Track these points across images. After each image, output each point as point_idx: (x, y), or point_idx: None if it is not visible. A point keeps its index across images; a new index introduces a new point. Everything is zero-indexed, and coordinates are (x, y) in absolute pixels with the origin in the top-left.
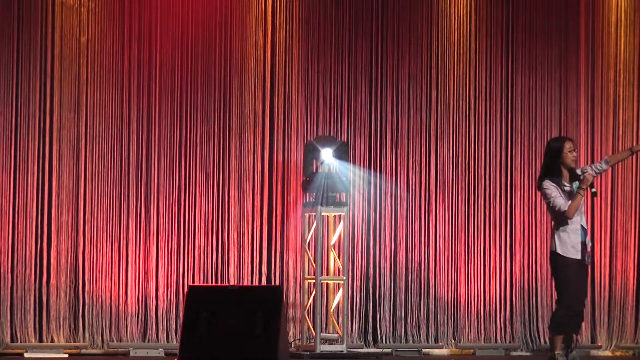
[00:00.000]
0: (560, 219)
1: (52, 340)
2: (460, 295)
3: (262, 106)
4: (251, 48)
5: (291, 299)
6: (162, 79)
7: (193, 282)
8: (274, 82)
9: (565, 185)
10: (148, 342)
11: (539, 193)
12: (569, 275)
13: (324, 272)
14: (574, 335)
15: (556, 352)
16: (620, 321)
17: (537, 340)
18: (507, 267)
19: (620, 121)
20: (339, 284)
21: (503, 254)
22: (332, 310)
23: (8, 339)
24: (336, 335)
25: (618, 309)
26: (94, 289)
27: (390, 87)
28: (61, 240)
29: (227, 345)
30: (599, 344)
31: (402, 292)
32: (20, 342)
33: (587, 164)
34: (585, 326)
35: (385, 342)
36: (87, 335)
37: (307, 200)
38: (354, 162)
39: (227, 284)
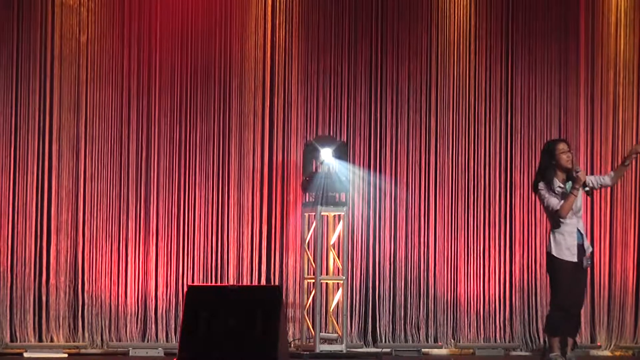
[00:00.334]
0: (555, 220)
1: (52, 340)
2: (459, 295)
3: (262, 106)
4: (251, 48)
5: (291, 299)
6: (161, 78)
7: (192, 281)
8: (274, 82)
9: (560, 187)
10: (147, 341)
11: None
12: (562, 278)
13: (324, 271)
14: (573, 338)
15: (553, 354)
16: (619, 321)
17: (537, 340)
18: (507, 267)
19: (620, 121)
20: (338, 283)
21: (502, 254)
22: (331, 310)
23: (7, 338)
24: (335, 335)
25: (617, 308)
26: (94, 288)
27: (389, 87)
28: (61, 240)
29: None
30: (599, 344)
31: (402, 291)
32: (20, 341)
33: (587, 165)
34: (584, 326)
35: (385, 342)
36: (86, 335)
37: (307, 200)
38: (354, 162)
39: (226, 284)
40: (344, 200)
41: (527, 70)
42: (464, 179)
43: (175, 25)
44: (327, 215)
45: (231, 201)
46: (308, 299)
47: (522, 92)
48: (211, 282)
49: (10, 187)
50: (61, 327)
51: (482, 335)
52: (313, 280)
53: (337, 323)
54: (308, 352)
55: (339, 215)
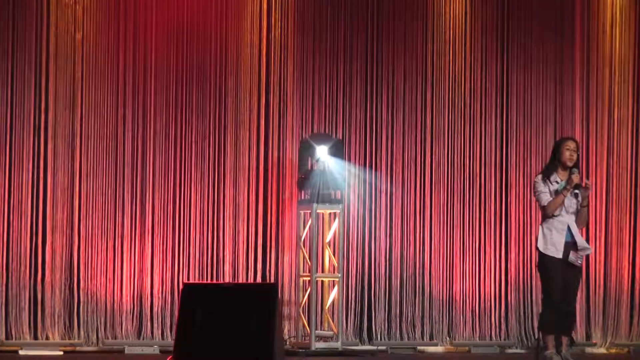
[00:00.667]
0: (545, 215)
1: (47, 338)
2: (455, 293)
3: (258, 104)
4: (246, 46)
5: (286, 297)
6: (157, 76)
7: (188, 279)
8: (269, 80)
9: (557, 182)
10: (143, 339)
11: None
12: (550, 274)
13: (319, 269)
14: (568, 335)
15: (548, 352)
16: (615, 318)
17: (532, 337)
18: (502, 265)
19: (616, 119)
20: (334, 281)
21: (498, 252)
22: (327, 308)
23: (3, 336)
24: (331, 332)
25: (613, 306)
26: (89, 286)
27: (385, 85)
28: (56, 238)
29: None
30: (594, 342)
31: (397, 289)
32: (15, 339)
33: (582, 163)
34: (580, 324)
35: (380, 339)
36: (82, 332)
37: (303, 198)
38: (349, 160)
39: (222, 282)
40: (339, 198)
41: (522, 68)
42: (460, 176)
43: (170, 23)
44: (323, 213)
45: (227, 199)
46: (304, 296)
47: (517, 90)
48: (207, 279)
49: (5, 184)
50: (56, 325)
51: (478, 333)
52: (309, 278)
53: (333, 321)
54: (304, 350)
55: (335, 213)
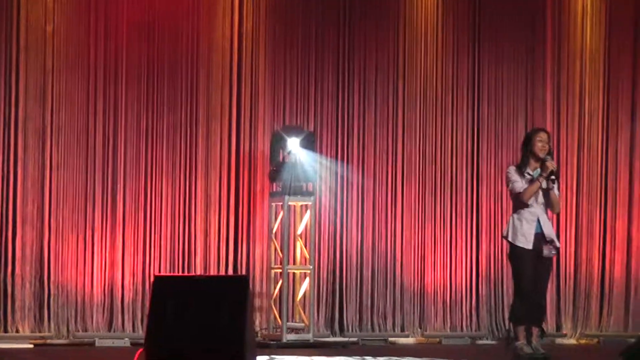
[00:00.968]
0: (517, 204)
1: (17, 331)
2: (426, 285)
3: (229, 96)
4: (218, 38)
5: (258, 289)
6: (128, 69)
7: (159, 272)
8: (241, 71)
9: (529, 173)
10: (114, 332)
11: (504, 183)
12: (521, 265)
13: (291, 261)
14: (538, 326)
15: (519, 343)
16: (585, 309)
17: (503, 328)
18: (473, 257)
19: (586, 111)
20: (305, 273)
21: (469, 244)
22: (298, 300)
23: None
24: (302, 324)
25: (583, 297)
26: (60, 279)
27: (357, 78)
28: (26, 231)
29: (193, 335)
30: (564, 332)
31: (369, 281)
32: None
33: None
34: (550, 315)
35: (352, 331)
36: (52, 325)
37: (274, 190)
38: (321, 152)
39: (193, 274)
40: (311, 190)
41: (493, 62)
42: (431, 169)
43: (142, 16)
44: (295, 205)
45: (198, 191)
46: (275, 288)
47: (488, 83)
48: (178, 272)
49: None
50: (27, 318)
51: (449, 325)
52: (280, 270)
53: (304, 313)
54: (275, 342)
55: (306, 205)
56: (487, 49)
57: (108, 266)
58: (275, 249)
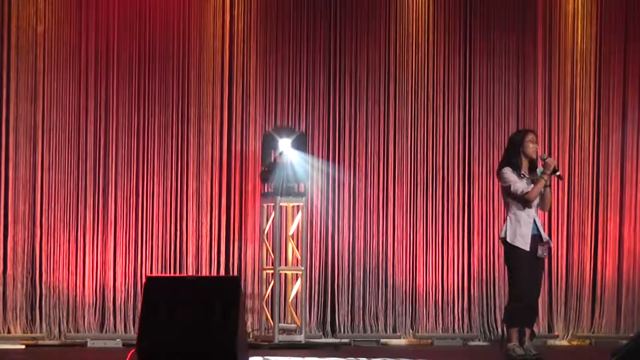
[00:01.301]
0: (514, 205)
1: (9, 332)
2: (418, 286)
3: (221, 96)
4: (209, 38)
5: (249, 290)
6: (119, 68)
7: (151, 272)
8: (232, 72)
9: (525, 176)
10: (106, 333)
11: (497, 183)
12: (520, 268)
13: (283, 262)
14: (530, 328)
15: (511, 344)
16: (577, 311)
17: (495, 330)
18: (465, 258)
19: (578, 112)
20: (297, 274)
21: (461, 244)
22: (290, 301)
23: None
24: (294, 325)
25: (575, 298)
26: (51, 279)
27: (348, 78)
28: (18, 231)
29: (185, 336)
30: (556, 334)
31: (361, 282)
32: None
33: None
34: (542, 316)
35: (344, 332)
36: (44, 326)
37: (266, 191)
38: (313, 153)
39: (185, 275)
40: (302, 191)
41: (485, 62)
42: (423, 169)
43: (133, 15)
44: (286, 206)
45: (190, 192)
46: (267, 289)
47: (480, 83)
48: (170, 272)
49: None
50: (18, 319)
51: (441, 326)
52: (272, 271)
53: (296, 313)
54: (267, 343)
55: (298, 206)
56: (478, 48)
57: (100, 266)
58: (267, 250)
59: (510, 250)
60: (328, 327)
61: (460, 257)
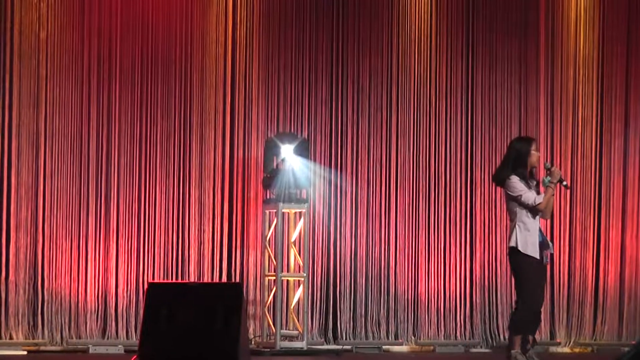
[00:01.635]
0: (523, 215)
1: (11, 338)
2: (420, 292)
3: (223, 103)
4: (212, 44)
5: (251, 296)
6: (122, 75)
7: (153, 279)
8: (235, 78)
9: (531, 185)
10: (107, 339)
11: (499, 190)
12: (530, 275)
13: (285, 268)
14: (532, 335)
15: (514, 351)
16: (579, 318)
17: (497, 336)
18: (467, 264)
19: (580, 118)
20: (299, 280)
21: (463, 251)
22: (292, 307)
23: None
24: (296, 332)
25: (577, 305)
26: (53, 285)
27: (350, 84)
28: (20, 237)
29: (186, 342)
30: (558, 341)
31: (363, 289)
32: None
33: (546, 160)
34: (544, 323)
35: (345, 339)
36: (46, 332)
37: (268, 197)
38: (315, 159)
39: (187, 281)
40: (304, 197)
41: (487, 68)
42: (425, 176)
43: (135, 22)
44: (288, 212)
45: (192, 198)
46: (269, 296)
47: (482, 89)
48: (172, 279)
49: None
50: (20, 324)
51: (443, 332)
52: (274, 277)
53: (298, 320)
54: (269, 349)
55: (300, 212)
56: (480, 54)
57: (102, 273)
58: (269, 256)
59: (522, 259)
60: (330, 334)
61: (462, 263)
